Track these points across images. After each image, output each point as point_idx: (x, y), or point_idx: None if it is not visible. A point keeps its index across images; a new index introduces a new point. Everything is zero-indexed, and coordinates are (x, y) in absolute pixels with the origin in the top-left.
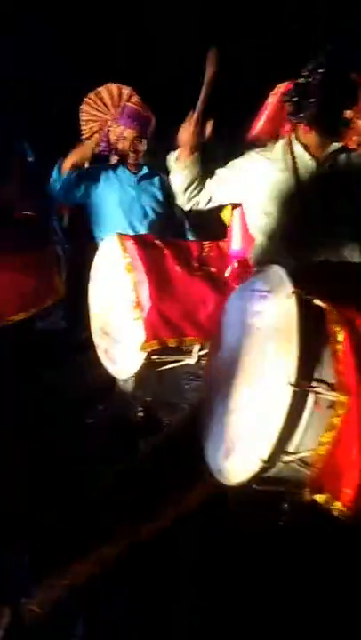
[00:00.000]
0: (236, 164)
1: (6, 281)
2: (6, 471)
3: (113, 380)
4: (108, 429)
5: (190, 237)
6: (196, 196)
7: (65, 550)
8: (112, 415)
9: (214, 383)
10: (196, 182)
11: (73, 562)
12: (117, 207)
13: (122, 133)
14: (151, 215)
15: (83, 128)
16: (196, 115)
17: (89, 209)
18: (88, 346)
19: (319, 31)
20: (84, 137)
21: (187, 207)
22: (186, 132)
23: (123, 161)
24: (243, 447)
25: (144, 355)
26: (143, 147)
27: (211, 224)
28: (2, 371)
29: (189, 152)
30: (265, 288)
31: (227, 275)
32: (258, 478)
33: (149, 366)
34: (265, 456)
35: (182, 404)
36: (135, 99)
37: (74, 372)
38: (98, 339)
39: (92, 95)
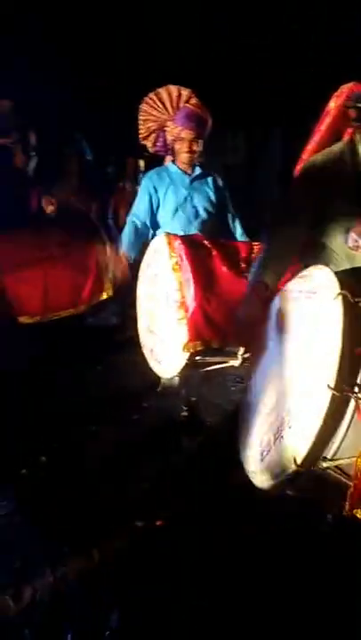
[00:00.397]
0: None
1: (57, 277)
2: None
3: (159, 378)
4: (151, 426)
5: (241, 238)
6: None
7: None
8: (156, 413)
9: (255, 385)
10: None
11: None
12: (169, 207)
13: (179, 134)
14: (203, 215)
15: (140, 127)
16: None
17: None
18: (136, 343)
19: None
20: (141, 136)
21: None
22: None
23: (177, 161)
24: (277, 449)
25: (187, 355)
26: (199, 148)
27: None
28: (49, 364)
29: None
30: (310, 289)
31: None
32: (292, 483)
33: (192, 366)
34: (300, 460)
35: (227, 407)
36: (194, 100)
37: (122, 368)
38: (144, 337)
39: (151, 95)
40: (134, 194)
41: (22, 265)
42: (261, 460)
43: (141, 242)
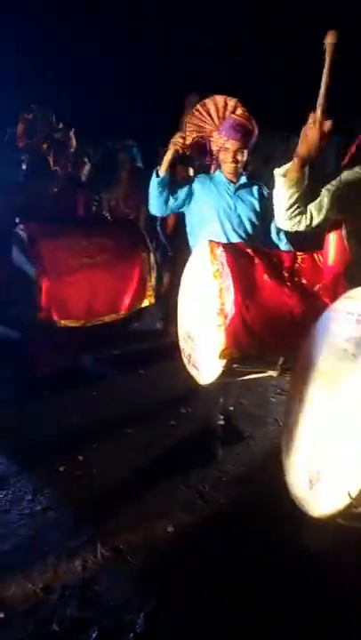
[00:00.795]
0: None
1: (101, 283)
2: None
3: (197, 384)
4: (188, 433)
5: (285, 247)
6: (295, 217)
7: None
8: (194, 420)
9: (300, 404)
10: (299, 203)
11: None
12: (213, 215)
13: (224, 144)
14: (247, 224)
15: (186, 137)
16: (319, 112)
17: (186, 217)
18: (177, 349)
19: None
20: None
21: (284, 226)
22: (312, 134)
23: (223, 171)
24: (329, 478)
25: (224, 362)
26: (244, 158)
27: (307, 234)
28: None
29: (300, 166)
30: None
31: (318, 288)
32: (345, 514)
33: (229, 374)
34: (354, 492)
35: (267, 418)
36: (240, 110)
37: (163, 373)
38: (183, 343)
39: (198, 106)
40: None
41: (69, 270)
42: (310, 486)
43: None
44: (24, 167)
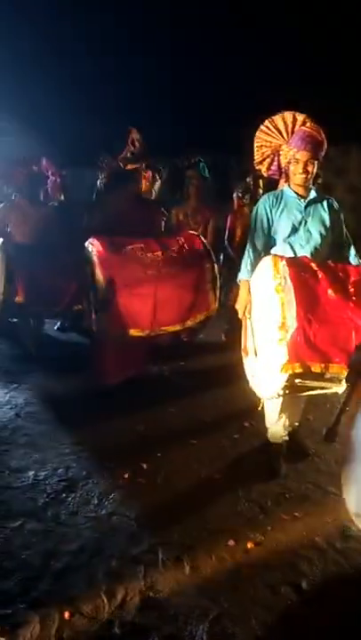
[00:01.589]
0: None
1: (167, 293)
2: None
3: (260, 398)
4: (250, 447)
5: (354, 261)
6: None
7: None
8: (257, 434)
9: None
10: None
11: None
12: (282, 229)
13: (294, 156)
14: (316, 239)
15: (255, 153)
16: None
17: None
18: (241, 362)
19: None
20: (255, 161)
21: None
22: None
23: (292, 184)
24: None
25: (285, 376)
26: (314, 169)
27: None
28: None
29: None
30: None
31: None
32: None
33: (291, 389)
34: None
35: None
36: (310, 123)
37: (226, 386)
38: (246, 356)
39: (266, 122)
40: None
41: (136, 282)
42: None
43: None
44: (100, 185)
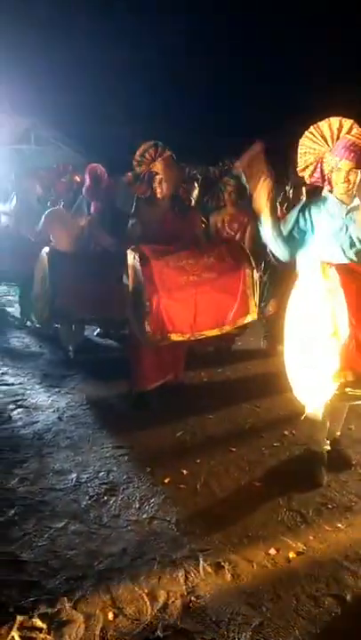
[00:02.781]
0: None
1: (207, 298)
2: None
3: (303, 406)
4: (290, 457)
5: None
6: None
7: None
8: (298, 442)
9: None
10: None
11: None
12: (325, 237)
13: (337, 164)
14: (358, 245)
15: (299, 160)
16: None
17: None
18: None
19: None
20: (299, 168)
21: None
22: None
23: (334, 191)
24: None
25: (336, 385)
26: (357, 178)
27: None
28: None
29: None
30: None
31: None
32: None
33: (341, 399)
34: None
35: None
36: (356, 130)
37: (267, 393)
38: (290, 363)
39: (311, 128)
40: None
41: (177, 287)
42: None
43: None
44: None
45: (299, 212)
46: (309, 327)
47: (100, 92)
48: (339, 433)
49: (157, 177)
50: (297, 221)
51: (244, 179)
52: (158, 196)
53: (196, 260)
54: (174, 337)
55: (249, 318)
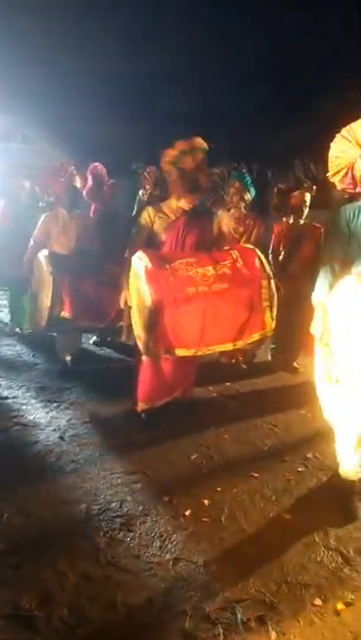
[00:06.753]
0: None
1: (218, 310)
2: None
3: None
4: (314, 481)
5: None
6: None
7: None
8: (324, 467)
9: None
10: None
11: None
12: (360, 244)
13: None
14: None
15: (330, 163)
16: None
17: None
18: (306, 390)
19: None
20: (330, 173)
21: None
22: None
23: None
24: None
25: None
26: None
27: None
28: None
29: None
30: None
31: None
32: None
33: None
34: None
35: None
36: None
37: (281, 410)
38: (325, 384)
39: (343, 131)
40: (297, 229)
41: (185, 298)
42: None
43: None
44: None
45: (340, 224)
46: (351, 346)
47: (88, 94)
48: None
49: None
50: (345, 235)
51: (248, 179)
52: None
53: (207, 269)
54: (179, 352)
55: (266, 333)
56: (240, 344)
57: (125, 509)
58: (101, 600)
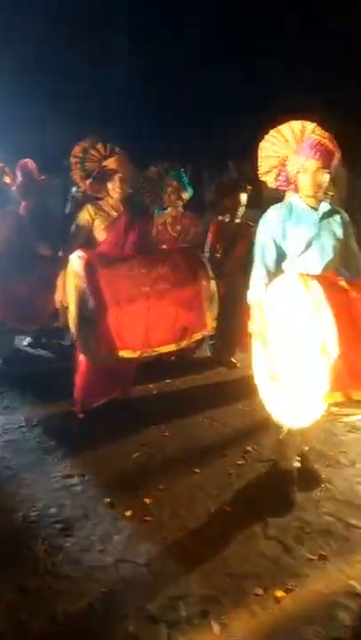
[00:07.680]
0: None
1: (162, 311)
2: None
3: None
4: (260, 473)
5: None
6: None
7: None
8: (263, 458)
9: None
10: None
11: None
12: (295, 243)
13: (302, 165)
14: (330, 253)
15: (260, 164)
16: None
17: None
18: (245, 385)
19: None
20: (260, 172)
21: None
22: None
23: (302, 195)
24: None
25: (325, 406)
26: (324, 179)
27: None
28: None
29: None
30: None
31: None
32: None
33: (328, 418)
34: None
35: (341, 459)
36: (319, 131)
37: (220, 405)
38: (264, 382)
39: (272, 131)
40: (232, 228)
41: (128, 299)
42: None
43: None
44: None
45: (275, 222)
46: (289, 345)
47: (29, 92)
48: (307, 447)
49: (117, 176)
50: (279, 233)
51: (185, 178)
52: (117, 196)
53: (149, 269)
54: (124, 354)
55: (206, 332)
56: (183, 344)
57: (65, 514)
58: (40, 612)
